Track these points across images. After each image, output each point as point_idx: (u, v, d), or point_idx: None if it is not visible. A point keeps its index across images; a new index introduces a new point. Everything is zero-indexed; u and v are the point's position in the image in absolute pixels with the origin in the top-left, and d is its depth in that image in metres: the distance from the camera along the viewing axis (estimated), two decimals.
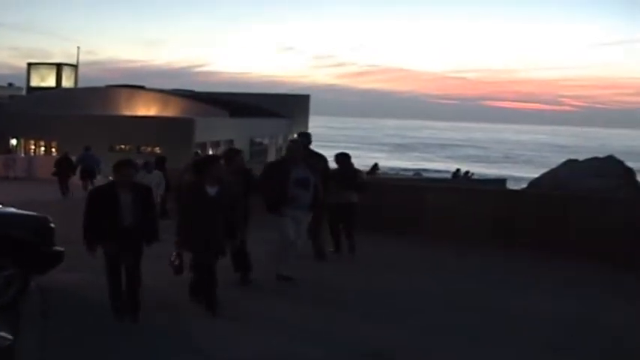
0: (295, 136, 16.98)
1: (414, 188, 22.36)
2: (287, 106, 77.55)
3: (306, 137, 14.57)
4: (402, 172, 74.30)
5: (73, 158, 31.44)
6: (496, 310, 10.30)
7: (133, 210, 8.90)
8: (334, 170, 14.70)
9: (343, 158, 15.05)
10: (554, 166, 36.38)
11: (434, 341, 8.77)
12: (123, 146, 55.96)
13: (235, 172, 10.64)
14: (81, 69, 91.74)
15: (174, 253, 9.35)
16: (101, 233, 8.85)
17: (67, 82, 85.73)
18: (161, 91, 73.01)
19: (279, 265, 11.55)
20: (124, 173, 9.03)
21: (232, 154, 11.41)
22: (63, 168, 30.28)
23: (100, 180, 28.01)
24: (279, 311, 9.92)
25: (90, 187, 27.05)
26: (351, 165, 15.15)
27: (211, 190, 9.30)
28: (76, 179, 30.57)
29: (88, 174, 30.40)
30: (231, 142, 60.14)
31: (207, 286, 9.34)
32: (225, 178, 9.68)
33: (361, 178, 15.68)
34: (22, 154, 58.55)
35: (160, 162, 20.91)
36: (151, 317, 9.09)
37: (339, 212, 14.35)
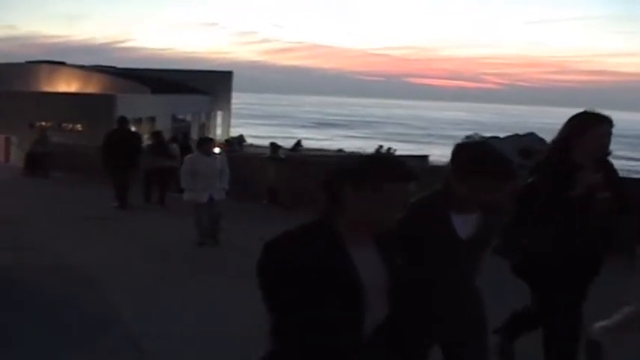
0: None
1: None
2: (210, 83, 77.10)
3: (124, 120, 19.44)
4: (324, 150, 74.55)
5: None
6: None
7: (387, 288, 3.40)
8: (149, 144, 20.80)
9: (156, 134, 21.45)
10: None
11: None
12: (44, 123, 55.30)
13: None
14: (0, 44, 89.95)
15: None
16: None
17: None
18: (82, 67, 72.22)
19: None
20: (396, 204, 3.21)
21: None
22: None
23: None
24: None
25: None
26: (163, 138, 21.09)
27: (463, 225, 4.27)
28: None
29: None
30: (153, 119, 59.82)
31: None
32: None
33: (174, 150, 20.43)
34: None
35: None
36: None
37: (154, 174, 19.37)
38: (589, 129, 5.74)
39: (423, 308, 4.15)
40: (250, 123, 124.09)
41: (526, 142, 30.03)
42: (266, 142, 33.54)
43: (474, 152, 4.19)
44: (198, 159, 13.31)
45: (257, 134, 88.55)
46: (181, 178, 13.32)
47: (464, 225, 4.22)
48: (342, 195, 3.20)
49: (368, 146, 69.33)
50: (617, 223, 5.88)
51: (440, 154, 70.25)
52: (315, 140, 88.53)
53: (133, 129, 22.27)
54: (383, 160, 3.30)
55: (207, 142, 13.87)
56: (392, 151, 54.58)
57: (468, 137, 4.34)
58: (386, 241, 3.37)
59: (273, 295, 3.16)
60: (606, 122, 5.76)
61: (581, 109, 5.86)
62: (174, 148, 21.07)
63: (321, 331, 3.16)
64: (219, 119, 79.95)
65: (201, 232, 13.34)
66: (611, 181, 5.73)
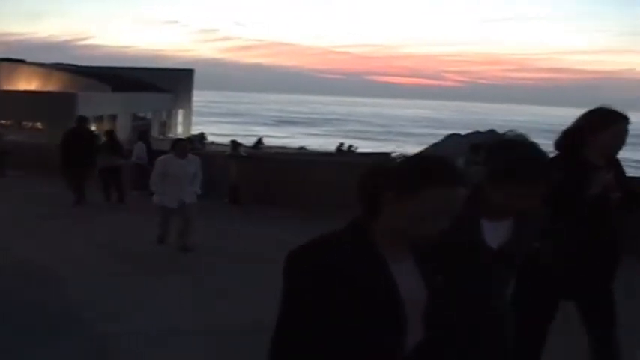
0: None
1: (301, 162, 22.76)
2: (171, 81, 76.97)
3: (82, 119, 19.52)
4: (285, 148, 74.52)
5: None
6: None
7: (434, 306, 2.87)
8: (102, 143, 20.05)
9: (109, 133, 20.79)
10: (435, 140, 37.22)
11: None
12: (4, 122, 54.93)
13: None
14: None
15: None
16: None
17: None
18: (42, 65, 71.74)
19: None
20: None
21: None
22: None
23: None
24: None
25: None
26: (116, 137, 20.63)
27: (493, 232, 3.76)
28: None
29: None
30: (114, 117, 59.58)
31: None
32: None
33: (139, 148, 21.27)
34: None
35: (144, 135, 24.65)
36: None
37: (107, 173, 19.15)
38: (607, 127, 5.14)
39: (457, 320, 3.37)
40: (211, 121, 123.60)
41: (486, 139, 30.15)
42: (227, 140, 33.53)
43: (510, 155, 3.66)
44: (171, 161, 12.64)
45: (218, 132, 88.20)
46: (151, 180, 13.00)
47: (494, 233, 3.72)
48: (379, 200, 2.76)
49: (329, 144, 69.15)
50: (623, 223, 5.29)
51: (401, 151, 70.51)
52: (277, 138, 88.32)
53: (93, 128, 22.19)
54: (427, 161, 2.79)
55: (181, 144, 13.24)
56: (353, 148, 54.86)
57: (506, 133, 3.75)
58: (426, 254, 2.89)
59: (297, 303, 2.70)
60: (624, 120, 5.18)
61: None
62: (140, 146, 21.11)
63: (353, 351, 2.69)
64: (180, 117, 79.85)
65: (163, 232, 13.19)
66: (620, 181, 5.16)
